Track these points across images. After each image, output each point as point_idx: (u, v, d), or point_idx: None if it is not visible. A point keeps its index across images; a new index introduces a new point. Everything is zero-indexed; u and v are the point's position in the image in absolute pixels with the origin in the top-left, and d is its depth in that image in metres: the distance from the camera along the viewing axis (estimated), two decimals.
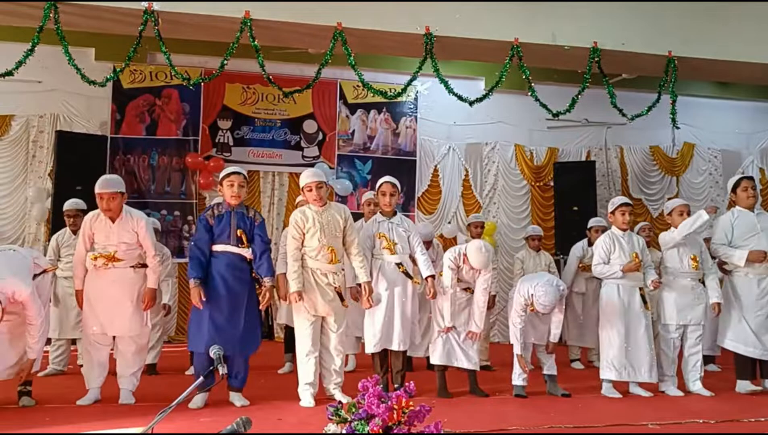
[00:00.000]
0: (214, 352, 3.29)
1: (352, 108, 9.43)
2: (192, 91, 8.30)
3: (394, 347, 5.07)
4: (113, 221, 4.74)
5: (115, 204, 4.70)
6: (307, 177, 4.85)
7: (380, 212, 5.25)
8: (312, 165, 8.81)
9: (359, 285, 4.95)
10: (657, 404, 5.08)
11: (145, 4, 5.87)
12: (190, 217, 8.74)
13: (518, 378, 5.27)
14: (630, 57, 6.89)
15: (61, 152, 7.99)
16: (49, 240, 6.49)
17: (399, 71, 8.70)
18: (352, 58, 6.29)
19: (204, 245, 4.66)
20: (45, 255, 5.80)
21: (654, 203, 10.19)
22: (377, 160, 9.41)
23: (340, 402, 3.14)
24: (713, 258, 5.87)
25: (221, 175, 4.83)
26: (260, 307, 4.77)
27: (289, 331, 6.28)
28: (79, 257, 4.80)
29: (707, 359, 6.82)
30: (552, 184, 9.77)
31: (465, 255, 5.12)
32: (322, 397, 4.82)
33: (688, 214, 5.62)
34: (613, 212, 5.57)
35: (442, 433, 2.95)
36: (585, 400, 5.17)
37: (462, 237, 8.62)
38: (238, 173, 4.78)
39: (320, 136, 9.26)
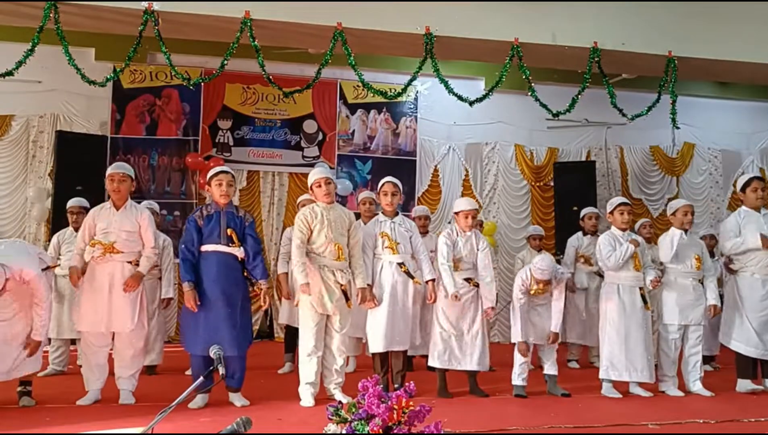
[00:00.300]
0: (214, 352, 3.28)
1: (352, 108, 9.43)
2: (192, 91, 8.30)
3: (396, 347, 5.08)
4: (117, 209, 4.78)
5: (125, 187, 4.81)
6: (316, 173, 4.94)
7: (382, 212, 5.28)
8: (312, 165, 8.81)
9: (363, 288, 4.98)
10: (657, 404, 5.08)
11: (145, 4, 5.86)
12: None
13: (518, 378, 5.28)
14: (630, 57, 6.88)
15: (61, 152, 8.00)
16: (49, 240, 6.50)
17: (399, 71, 8.70)
18: (352, 58, 6.29)
19: (193, 247, 4.67)
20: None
21: (654, 203, 10.19)
22: (377, 160, 9.41)
23: (340, 402, 3.14)
24: (720, 256, 5.88)
25: (209, 175, 4.84)
26: (261, 310, 4.77)
27: (289, 331, 6.29)
28: (77, 249, 4.79)
29: (706, 359, 6.83)
30: (552, 184, 9.77)
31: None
32: (322, 397, 4.82)
33: (692, 215, 5.65)
34: (611, 212, 5.57)
35: (442, 433, 2.95)
36: (585, 400, 5.17)
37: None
38: (226, 172, 4.80)
39: (320, 136, 9.26)
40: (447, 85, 6.56)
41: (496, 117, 9.65)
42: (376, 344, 5.06)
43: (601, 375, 5.39)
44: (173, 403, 2.86)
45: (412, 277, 5.17)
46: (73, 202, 6.12)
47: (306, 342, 4.82)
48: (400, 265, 5.14)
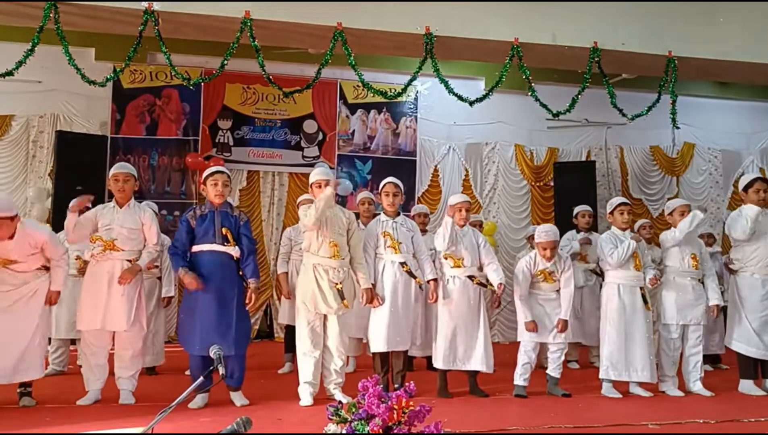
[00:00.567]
0: (214, 352, 3.28)
1: (352, 108, 9.42)
2: (192, 91, 8.30)
3: (397, 347, 5.08)
4: (121, 207, 4.81)
5: (129, 186, 4.85)
6: (317, 174, 4.94)
7: (384, 212, 5.29)
8: (312, 165, 8.81)
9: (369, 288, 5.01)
10: (657, 404, 5.08)
11: (145, 4, 5.87)
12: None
13: (520, 378, 5.30)
14: (630, 57, 6.89)
15: (61, 152, 7.99)
16: None
17: (399, 71, 8.70)
18: (352, 58, 6.29)
19: (183, 246, 4.67)
20: None
21: (654, 203, 10.19)
22: (377, 160, 9.41)
23: (340, 402, 3.14)
24: (721, 254, 5.88)
25: (204, 174, 4.85)
26: (246, 309, 4.76)
27: (289, 331, 6.28)
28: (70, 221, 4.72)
29: (712, 358, 6.84)
30: (552, 184, 9.77)
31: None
32: (322, 397, 4.82)
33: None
34: (611, 212, 5.57)
35: (442, 433, 2.94)
36: (585, 400, 5.17)
37: None
38: (222, 172, 4.81)
39: (320, 136, 9.26)
40: (447, 85, 6.56)
41: (496, 117, 9.65)
42: (378, 344, 5.07)
43: (601, 375, 5.39)
44: (173, 403, 2.86)
45: (414, 277, 5.19)
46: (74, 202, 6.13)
47: (302, 341, 4.84)
48: (402, 264, 5.15)
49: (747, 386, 5.54)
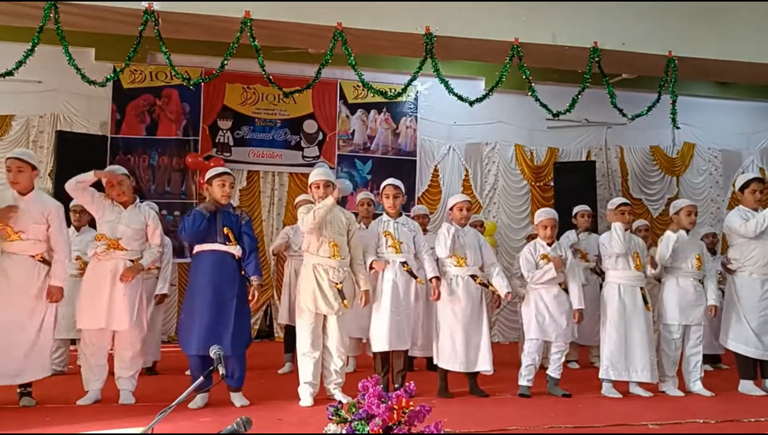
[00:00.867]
0: (214, 352, 3.28)
1: (352, 108, 9.42)
2: (192, 91, 8.29)
3: (399, 347, 5.09)
4: (125, 207, 4.84)
5: (126, 187, 4.88)
6: (317, 174, 4.95)
7: (385, 213, 5.30)
8: (312, 165, 8.81)
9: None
10: (657, 404, 5.08)
11: (145, 4, 5.86)
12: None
13: (524, 379, 5.32)
14: (630, 57, 6.88)
15: (61, 152, 7.99)
16: None
17: (399, 71, 8.70)
18: (352, 58, 6.29)
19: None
20: None
21: (654, 203, 10.19)
22: (377, 160, 9.41)
23: (340, 402, 3.14)
24: (720, 255, 5.88)
25: (210, 174, 4.85)
26: (248, 307, 4.77)
27: (289, 331, 6.28)
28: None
29: (712, 358, 6.84)
30: (552, 184, 9.77)
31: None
32: (322, 397, 4.82)
33: (696, 215, 5.65)
34: (613, 212, 5.57)
35: (442, 433, 2.94)
36: (585, 400, 5.17)
37: None
38: (229, 173, 4.86)
39: (320, 136, 9.26)
40: (447, 85, 6.56)
41: (496, 117, 9.65)
42: (379, 344, 5.07)
43: (602, 375, 5.40)
44: (173, 403, 2.86)
45: (415, 277, 5.19)
46: (75, 202, 6.13)
47: (302, 341, 4.84)
48: (403, 264, 5.16)
49: (747, 386, 5.54)
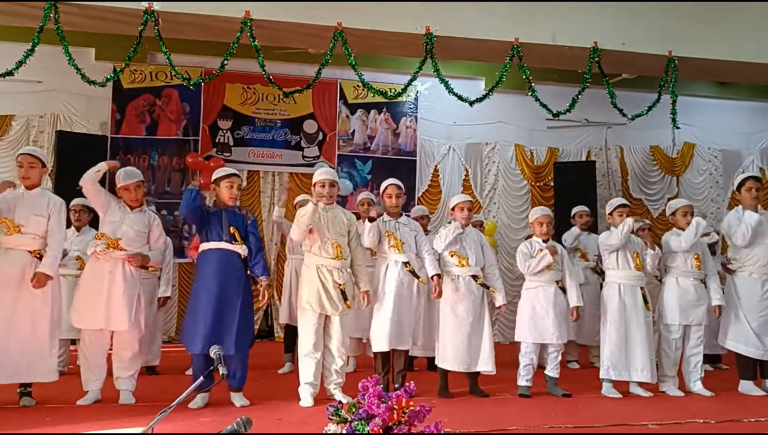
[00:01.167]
0: (214, 352, 3.28)
1: (352, 108, 9.42)
2: (192, 91, 8.29)
3: (400, 346, 5.09)
4: (131, 209, 4.86)
5: (141, 193, 4.93)
6: (322, 173, 4.98)
7: (386, 213, 5.30)
8: (312, 165, 8.82)
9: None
10: (657, 404, 5.08)
11: (145, 4, 5.86)
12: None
13: (523, 379, 5.32)
14: (630, 57, 6.88)
15: (62, 152, 7.99)
16: None
17: (399, 71, 8.70)
18: (352, 58, 6.29)
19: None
20: None
21: (654, 203, 10.19)
22: (377, 160, 9.41)
23: (340, 402, 3.14)
24: (720, 254, 5.87)
25: (219, 175, 4.87)
26: (260, 306, 4.79)
27: (289, 331, 6.29)
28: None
29: (712, 358, 6.84)
30: (552, 184, 9.77)
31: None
32: (322, 397, 4.82)
33: (692, 215, 5.64)
34: (611, 213, 5.57)
35: (442, 433, 2.94)
36: (585, 400, 5.17)
37: None
38: (237, 175, 4.90)
39: (320, 136, 9.26)
40: (447, 85, 6.56)
41: (496, 117, 9.65)
42: (381, 343, 5.07)
43: (602, 375, 5.39)
44: (173, 403, 2.86)
45: (417, 277, 5.20)
46: (76, 201, 6.14)
47: (304, 342, 4.84)
48: (405, 263, 5.17)
49: (747, 386, 5.54)
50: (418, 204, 9.25)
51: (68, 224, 6.14)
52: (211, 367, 3.19)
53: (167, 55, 6.03)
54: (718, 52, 6.97)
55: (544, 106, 6.71)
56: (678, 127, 7.39)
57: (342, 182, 9.11)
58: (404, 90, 6.71)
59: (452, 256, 5.27)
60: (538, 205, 9.73)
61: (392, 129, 9.52)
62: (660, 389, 5.48)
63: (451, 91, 6.61)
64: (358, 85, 8.97)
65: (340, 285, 4.81)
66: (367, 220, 5.11)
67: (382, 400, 2.96)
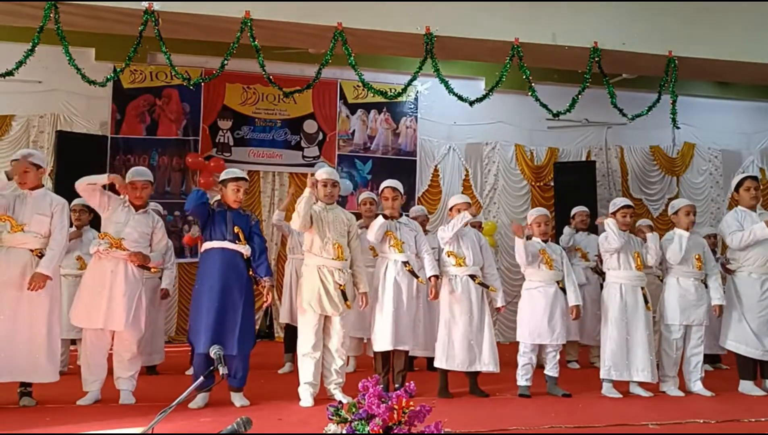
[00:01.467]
0: (214, 352, 3.28)
1: (353, 108, 9.42)
2: (192, 91, 8.29)
3: (401, 346, 5.09)
4: (136, 210, 4.86)
5: (147, 193, 4.93)
6: (324, 173, 4.98)
7: (387, 213, 5.31)
8: (312, 165, 8.82)
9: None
10: (657, 404, 5.08)
11: (145, 4, 5.86)
12: (190, 217, 8.73)
13: (522, 379, 5.32)
14: (630, 57, 6.88)
15: (62, 152, 8.00)
16: None
17: (399, 71, 8.70)
18: (352, 58, 6.29)
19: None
20: None
21: (654, 203, 10.19)
22: (377, 160, 9.41)
23: (340, 402, 3.14)
24: (721, 254, 5.88)
25: (225, 176, 4.87)
26: (264, 306, 4.80)
27: (289, 331, 6.29)
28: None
29: (713, 358, 6.84)
30: (552, 184, 9.77)
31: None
32: (322, 397, 4.82)
33: (695, 215, 5.65)
34: (614, 213, 5.56)
35: (442, 433, 2.95)
36: (585, 400, 5.17)
37: None
38: (245, 179, 4.90)
39: (320, 136, 9.26)
40: (447, 85, 6.56)
41: (496, 117, 9.65)
42: (382, 343, 5.07)
43: (603, 375, 5.39)
44: (173, 403, 2.86)
45: (417, 277, 5.20)
46: (76, 201, 6.15)
47: (304, 342, 4.84)
48: (405, 263, 5.17)
49: (747, 386, 5.54)
50: (418, 204, 9.26)
51: (69, 224, 6.16)
52: (212, 367, 3.20)
53: (167, 55, 6.03)
54: (718, 52, 6.97)
55: (544, 106, 6.71)
56: (678, 127, 7.40)
57: (342, 182, 9.14)
58: (404, 90, 6.71)
59: (449, 255, 5.28)
60: (538, 205, 9.77)
61: (392, 129, 9.53)
62: (660, 389, 5.48)
63: (451, 91, 6.61)
64: (358, 85, 8.97)
65: (340, 285, 4.81)
66: (380, 217, 5.13)
67: (382, 400, 2.96)
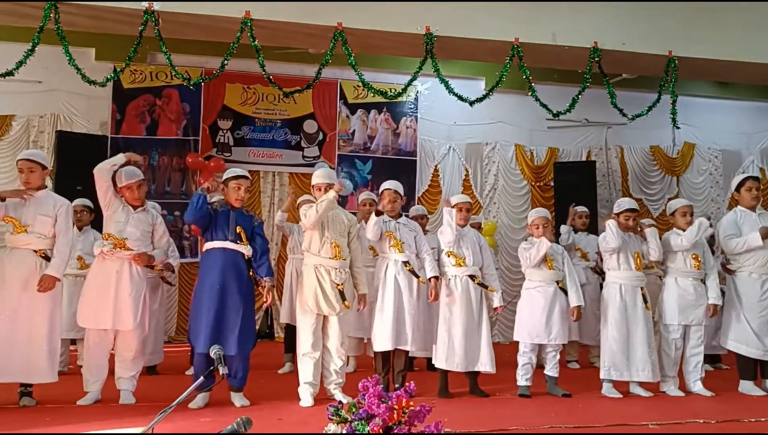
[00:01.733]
0: (214, 352, 3.28)
1: (353, 108, 9.43)
2: (192, 91, 8.29)
3: (401, 346, 5.09)
4: (135, 209, 4.87)
5: (142, 191, 4.95)
6: (318, 176, 4.96)
7: (386, 214, 5.31)
8: (312, 165, 8.82)
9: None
10: (657, 404, 5.08)
11: (145, 4, 5.86)
12: None
13: (522, 379, 5.32)
14: (630, 57, 6.88)
15: (62, 152, 8.00)
16: None
17: (399, 71, 8.70)
18: (352, 58, 6.29)
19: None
20: None
21: (654, 203, 10.19)
22: (377, 160, 9.41)
23: (340, 402, 3.14)
24: (720, 254, 5.88)
25: (228, 175, 4.87)
26: (264, 307, 4.80)
27: (290, 331, 6.29)
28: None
29: (712, 358, 6.84)
30: (552, 184, 9.77)
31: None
32: (322, 397, 4.82)
33: (691, 215, 5.64)
34: (618, 214, 5.54)
35: (442, 433, 2.95)
36: (585, 400, 5.17)
37: None
38: (246, 178, 4.88)
39: (320, 136, 9.26)
40: (447, 85, 6.56)
41: (496, 117, 9.65)
42: (382, 343, 5.07)
43: (603, 375, 5.39)
44: (173, 403, 2.86)
45: (417, 276, 5.20)
46: (77, 201, 6.15)
47: (303, 342, 4.84)
48: (405, 263, 5.17)
49: (747, 386, 5.54)
50: (418, 204, 9.26)
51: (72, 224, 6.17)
52: (212, 367, 3.20)
53: (167, 55, 6.03)
54: (718, 52, 6.97)
55: (544, 106, 6.71)
56: (678, 127, 7.40)
57: (342, 182, 9.13)
58: (404, 90, 6.71)
59: (449, 256, 5.28)
60: (538, 205, 9.77)
61: (392, 129, 9.53)
62: (660, 389, 5.48)
63: (451, 91, 6.61)
64: (358, 85, 8.97)
65: (338, 285, 4.81)
66: (374, 214, 5.13)
67: (382, 400, 2.96)
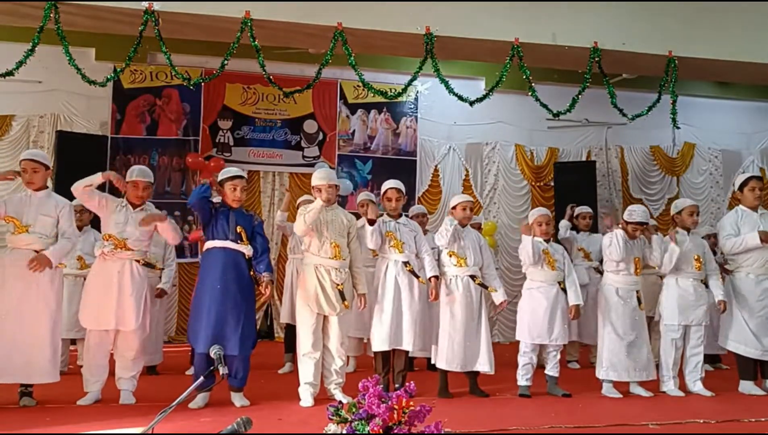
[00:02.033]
0: (214, 352, 3.29)
1: (353, 108, 9.43)
2: (192, 91, 8.29)
3: (400, 346, 5.09)
4: (134, 208, 4.86)
5: (147, 194, 4.95)
6: (321, 178, 4.92)
7: (386, 214, 5.31)
8: (312, 165, 8.82)
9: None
10: (657, 404, 5.08)
11: (145, 4, 5.86)
12: (190, 218, 8.75)
13: (522, 379, 5.32)
14: (630, 57, 6.88)
15: (62, 152, 8.00)
16: None
17: (399, 71, 8.70)
18: (352, 58, 6.29)
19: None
20: None
21: (654, 203, 10.18)
22: (377, 160, 9.41)
23: (340, 402, 3.14)
24: (721, 254, 5.88)
25: (223, 175, 4.87)
26: (262, 300, 4.80)
27: (290, 331, 6.29)
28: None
29: (712, 358, 6.84)
30: (552, 184, 9.77)
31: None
32: (322, 397, 4.82)
33: (698, 215, 5.68)
34: (627, 223, 5.49)
35: (442, 433, 2.95)
36: (585, 400, 5.17)
37: None
38: (242, 177, 4.87)
39: (320, 136, 9.26)
40: (447, 85, 6.55)
41: (496, 117, 9.65)
42: (381, 343, 5.07)
43: (602, 376, 5.39)
44: (173, 403, 2.86)
45: (417, 276, 5.20)
46: (76, 202, 6.14)
47: (303, 342, 4.84)
48: (405, 263, 5.17)
49: (747, 386, 5.54)
50: (418, 204, 9.26)
51: None
52: (212, 367, 3.20)
53: (167, 55, 6.03)
54: (718, 52, 6.97)
55: (544, 106, 6.71)
56: (678, 127, 7.40)
57: (342, 182, 9.15)
58: (404, 90, 6.70)
59: (450, 256, 5.28)
60: (538, 205, 9.75)
61: (392, 129, 9.53)
62: (660, 389, 5.48)
63: (451, 91, 6.61)
64: (358, 85, 8.97)
65: (338, 285, 4.82)
66: (367, 224, 5.12)
67: (383, 400, 2.96)
